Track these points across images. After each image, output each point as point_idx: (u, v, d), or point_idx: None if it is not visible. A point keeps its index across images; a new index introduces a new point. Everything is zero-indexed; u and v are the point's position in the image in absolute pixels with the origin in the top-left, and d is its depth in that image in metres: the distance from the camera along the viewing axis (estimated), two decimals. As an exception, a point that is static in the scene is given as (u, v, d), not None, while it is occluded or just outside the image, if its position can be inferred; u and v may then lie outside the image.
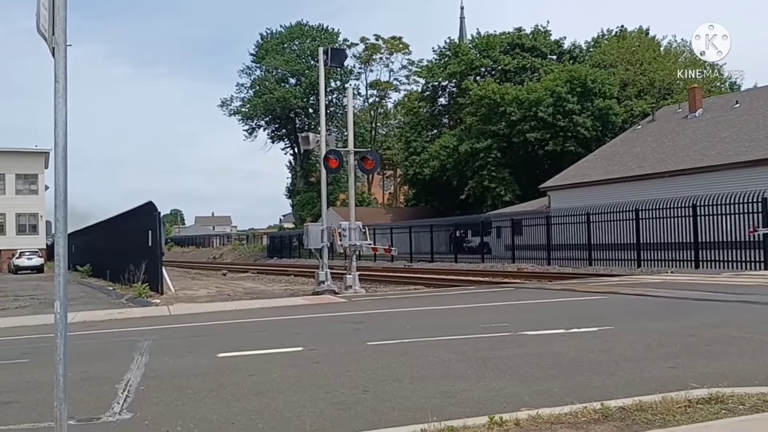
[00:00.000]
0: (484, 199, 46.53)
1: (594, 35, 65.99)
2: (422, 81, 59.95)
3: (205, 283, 24.55)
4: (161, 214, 18.44)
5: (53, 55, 3.43)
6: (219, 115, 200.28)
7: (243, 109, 69.34)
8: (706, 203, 21.84)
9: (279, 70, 66.05)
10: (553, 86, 44.40)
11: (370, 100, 72.75)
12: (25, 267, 43.26)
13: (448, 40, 57.70)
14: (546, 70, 50.10)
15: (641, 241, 23.91)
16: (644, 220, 23.97)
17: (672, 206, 23.02)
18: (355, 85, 69.53)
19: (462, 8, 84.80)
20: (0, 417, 4.87)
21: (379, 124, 73.52)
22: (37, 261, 43.93)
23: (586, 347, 6.87)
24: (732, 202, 20.85)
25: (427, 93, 58.63)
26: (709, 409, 4.16)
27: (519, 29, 54.11)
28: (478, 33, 56.24)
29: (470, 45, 55.92)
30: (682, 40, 55.25)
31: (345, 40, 67.22)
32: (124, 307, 15.11)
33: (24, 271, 42.94)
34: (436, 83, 57.05)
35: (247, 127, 70.95)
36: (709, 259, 21.29)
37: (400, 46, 68.59)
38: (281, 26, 73.84)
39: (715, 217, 21.53)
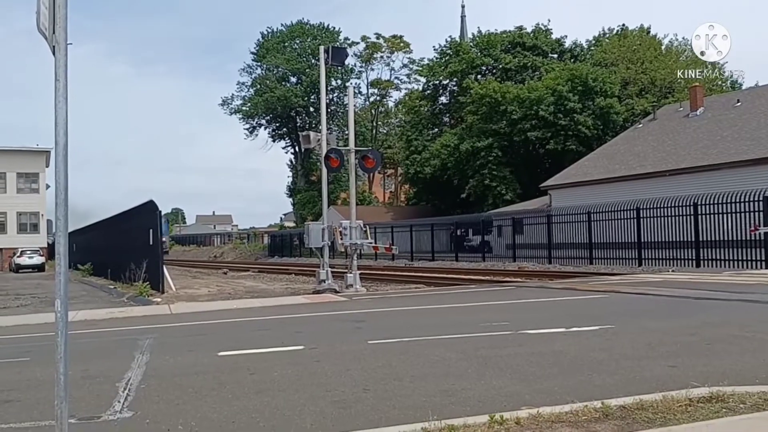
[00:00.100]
0: (485, 198, 46.53)
1: (595, 34, 66.17)
2: (423, 80, 59.97)
3: (206, 282, 24.56)
4: (162, 213, 18.44)
5: (54, 53, 3.43)
6: (219, 114, 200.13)
7: (244, 108, 69.34)
8: (708, 202, 21.83)
9: (280, 69, 66.04)
10: (554, 85, 44.39)
11: (371, 99, 72.86)
12: (26, 266, 43.30)
13: (449, 39, 57.80)
14: (547, 68, 50.09)
15: (642, 240, 23.90)
16: (645, 219, 23.95)
17: (673, 205, 23.00)
18: (356, 83, 69.64)
19: (463, 7, 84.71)
20: (1, 415, 4.88)
21: (380, 122, 73.53)
22: (38, 260, 43.97)
23: (586, 346, 6.87)
24: (733, 200, 20.84)
25: (428, 92, 58.62)
26: (710, 407, 4.16)
27: (520, 28, 54.10)
28: (479, 32, 56.29)
29: (471, 44, 55.88)
30: (683, 39, 55.30)
31: (346, 38, 67.27)
32: (125, 305, 15.12)
33: (25, 269, 42.98)
34: (437, 82, 57.04)
35: (247, 126, 71.04)
36: (710, 257, 21.28)
37: (401, 44, 68.55)
38: (282, 25, 73.90)
39: (716, 215, 21.53)
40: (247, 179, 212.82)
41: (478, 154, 46.43)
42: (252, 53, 70.17)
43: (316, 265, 18.64)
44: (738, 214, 20.67)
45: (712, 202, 21.72)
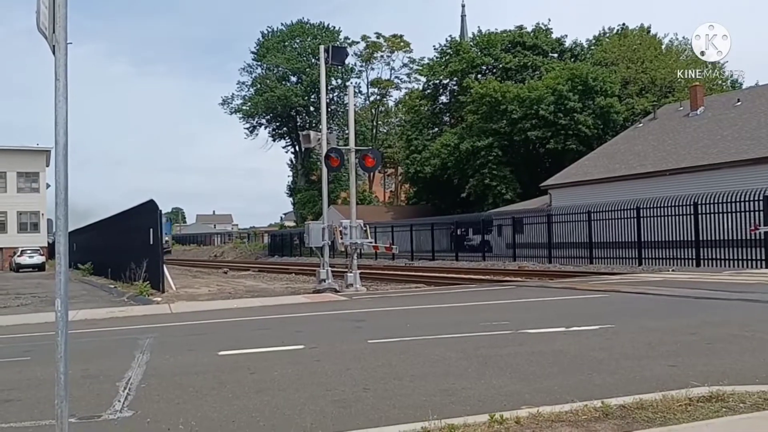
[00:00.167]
0: (485, 197, 46.51)
1: (595, 33, 66.04)
2: (423, 79, 59.93)
3: (206, 282, 24.57)
4: (163, 213, 18.44)
5: (54, 53, 3.43)
6: (219, 113, 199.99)
7: (244, 107, 69.33)
8: (708, 201, 21.82)
9: (280, 68, 66.04)
10: (554, 84, 44.36)
11: (371, 99, 72.85)
12: (27, 265, 43.32)
13: (449, 38, 57.77)
14: (547, 68, 50.06)
15: (642, 240, 23.90)
16: (645, 219, 23.95)
17: (673, 204, 23.00)
18: (356, 83, 69.62)
19: (463, 6, 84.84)
20: (1, 415, 4.88)
21: (380, 122, 73.53)
22: (38, 259, 43.99)
23: (586, 345, 6.87)
24: (733, 200, 20.83)
25: (428, 91, 58.60)
26: (709, 407, 4.16)
27: (520, 27, 54.06)
28: (480, 31, 56.24)
29: (471, 43, 55.85)
30: (683, 38, 55.25)
31: (346, 38, 67.26)
32: (126, 305, 15.12)
33: (25, 269, 43.00)
34: (437, 81, 57.01)
35: (248, 125, 71.02)
36: (710, 257, 21.28)
37: (401, 44, 68.54)
38: (282, 24, 73.84)
39: (716, 215, 21.53)
40: (248, 179, 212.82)
41: (479, 154, 46.40)
42: (252, 53, 70.27)
43: (317, 265, 18.64)
44: (738, 214, 20.67)
45: (712, 201, 21.72)
